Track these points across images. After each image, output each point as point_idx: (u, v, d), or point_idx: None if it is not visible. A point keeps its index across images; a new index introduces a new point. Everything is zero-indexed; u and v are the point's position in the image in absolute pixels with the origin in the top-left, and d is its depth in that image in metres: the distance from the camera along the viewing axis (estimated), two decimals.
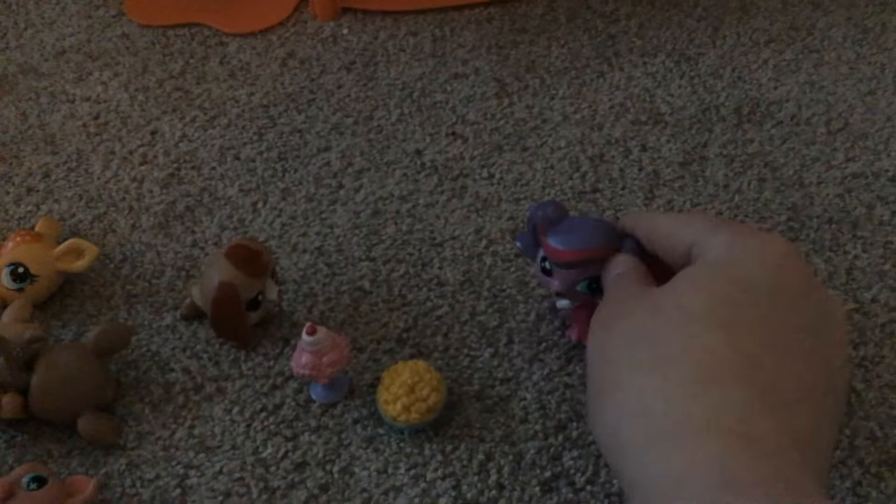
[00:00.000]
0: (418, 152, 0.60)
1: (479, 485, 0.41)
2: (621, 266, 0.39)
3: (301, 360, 0.43)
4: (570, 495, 0.40)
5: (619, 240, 0.41)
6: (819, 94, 0.62)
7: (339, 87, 0.66)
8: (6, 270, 0.49)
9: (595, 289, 0.42)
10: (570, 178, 0.57)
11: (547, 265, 0.42)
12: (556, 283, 0.42)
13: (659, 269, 0.39)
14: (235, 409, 0.45)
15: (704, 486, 0.27)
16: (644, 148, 0.59)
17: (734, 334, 0.31)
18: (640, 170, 0.57)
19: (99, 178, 0.59)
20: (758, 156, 0.57)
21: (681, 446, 0.29)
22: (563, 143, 0.59)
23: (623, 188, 0.56)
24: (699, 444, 0.28)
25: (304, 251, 0.53)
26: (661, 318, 0.33)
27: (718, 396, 0.29)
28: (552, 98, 0.63)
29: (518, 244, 0.45)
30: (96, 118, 0.64)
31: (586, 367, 0.36)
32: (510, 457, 0.42)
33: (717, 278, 0.33)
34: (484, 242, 0.53)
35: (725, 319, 0.32)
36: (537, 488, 0.40)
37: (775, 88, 0.63)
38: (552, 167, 0.58)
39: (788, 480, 0.27)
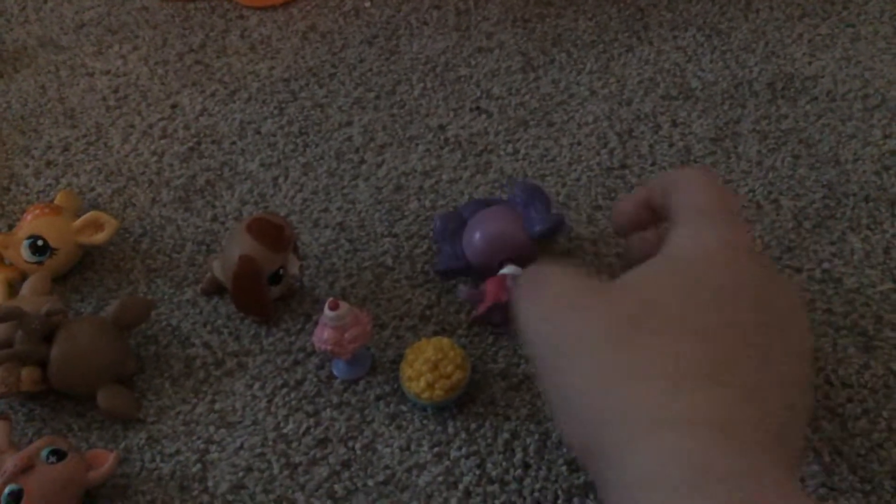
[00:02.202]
0: (441, 127, 0.58)
1: (504, 463, 0.40)
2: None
3: (323, 336, 0.42)
4: None
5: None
6: (855, 70, 0.60)
7: (361, 60, 0.65)
8: (25, 243, 0.48)
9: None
10: (598, 154, 0.55)
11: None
12: None
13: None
14: (257, 385, 0.44)
15: (677, 480, 0.27)
16: (674, 123, 0.57)
17: (704, 336, 0.31)
18: (670, 146, 0.55)
19: (118, 152, 0.58)
20: (792, 132, 0.56)
21: (656, 444, 0.28)
22: (590, 119, 0.58)
23: (653, 164, 0.54)
24: (673, 441, 0.28)
25: (326, 226, 0.52)
26: (632, 321, 0.32)
27: (693, 395, 0.29)
28: (579, 72, 0.62)
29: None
30: (116, 92, 0.63)
31: (538, 358, 0.33)
32: (536, 435, 0.41)
33: (683, 278, 0.33)
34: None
35: (694, 324, 0.31)
36: (564, 467, 0.39)
37: (810, 63, 0.61)
38: (579, 143, 0.56)
39: (762, 473, 0.27)
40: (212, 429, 0.42)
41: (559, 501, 0.38)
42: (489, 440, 0.41)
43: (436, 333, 0.46)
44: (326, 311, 0.41)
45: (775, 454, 0.28)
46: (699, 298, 0.32)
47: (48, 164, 0.58)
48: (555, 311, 0.33)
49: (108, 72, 0.65)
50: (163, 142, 0.59)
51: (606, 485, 0.30)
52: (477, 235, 0.45)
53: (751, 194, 0.52)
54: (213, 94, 0.62)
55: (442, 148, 0.57)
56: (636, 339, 0.31)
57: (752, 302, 0.32)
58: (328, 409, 0.43)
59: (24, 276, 0.48)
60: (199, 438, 0.42)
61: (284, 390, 0.44)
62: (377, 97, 0.61)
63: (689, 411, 0.29)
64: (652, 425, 0.29)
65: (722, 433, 0.28)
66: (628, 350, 0.31)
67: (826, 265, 0.48)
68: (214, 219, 0.53)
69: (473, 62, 0.63)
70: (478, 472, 0.40)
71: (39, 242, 0.48)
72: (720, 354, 0.30)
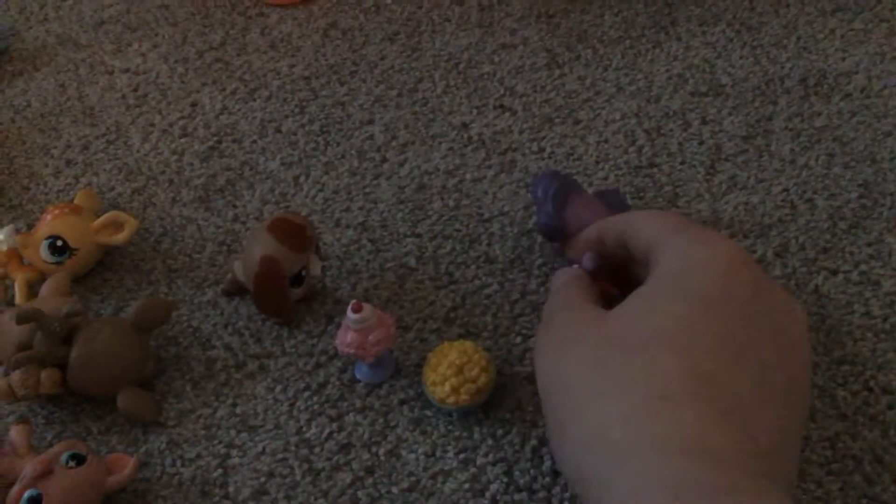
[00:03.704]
0: (465, 125, 0.57)
1: (532, 471, 0.39)
2: (566, 276, 0.41)
3: (346, 339, 0.41)
4: None
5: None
6: (890, 66, 0.59)
7: (383, 58, 0.64)
8: (45, 243, 0.48)
9: None
10: (626, 153, 0.54)
11: None
12: None
13: (625, 277, 0.40)
14: (278, 388, 0.43)
15: (657, 502, 0.27)
16: (704, 121, 0.56)
17: (688, 353, 0.31)
18: (700, 143, 0.54)
19: (138, 151, 0.58)
20: (826, 130, 0.54)
21: (635, 468, 0.28)
22: (617, 116, 0.57)
23: (682, 163, 0.53)
24: (652, 464, 0.28)
25: (348, 226, 0.51)
26: (617, 344, 0.32)
27: (673, 416, 0.29)
28: (605, 69, 0.60)
29: None
30: (135, 90, 0.63)
31: (541, 395, 0.36)
32: None
33: (667, 296, 0.33)
34: (534, 219, 0.50)
35: (678, 340, 0.31)
36: None
37: (843, 59, 0.59)
38: (606, 141, 0.55)
39: (744, 490, 0.27)
40: (233, 433, 0.41)
41: None
42: (517, 446, 0.40)
43: (460, 336, 0.45)
44: (350, 314, 0.40)
45: (763, 469, 0.28)
46: (681, 314, 0.32)
47: (68, 163, 0.57)
48: (554, 349, 0.35)
49: (127, 70, 0.65)
50: (183, 140, 0.58)
51: None
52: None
53: (784, 193, 0.50)
54: (233, 93, 0.62)
55: (465, 146, 0.56)
56: (623, 361, 0.31)
57: (739, 311, 0.32)
58: (351, 414, 0.42)
59: (43, 277, 0.47)
60: (220, 443, 0.41)
61: (307, 394, 0.43)
62: (399, 95, 0.60)
63: (667, 433, 0.29)
64: (634, 450, 0.29)
65: (700, 453, 0.28)
66: (609, 374, 0.31)
67: (863, 267, 0.46)
68: (235, 219, 0.52)
69: (497, 59, 0.62)
70: (505, 480, 0.38)
71: (59, 242, 0.48)
72: (703, 367, 0.30)
